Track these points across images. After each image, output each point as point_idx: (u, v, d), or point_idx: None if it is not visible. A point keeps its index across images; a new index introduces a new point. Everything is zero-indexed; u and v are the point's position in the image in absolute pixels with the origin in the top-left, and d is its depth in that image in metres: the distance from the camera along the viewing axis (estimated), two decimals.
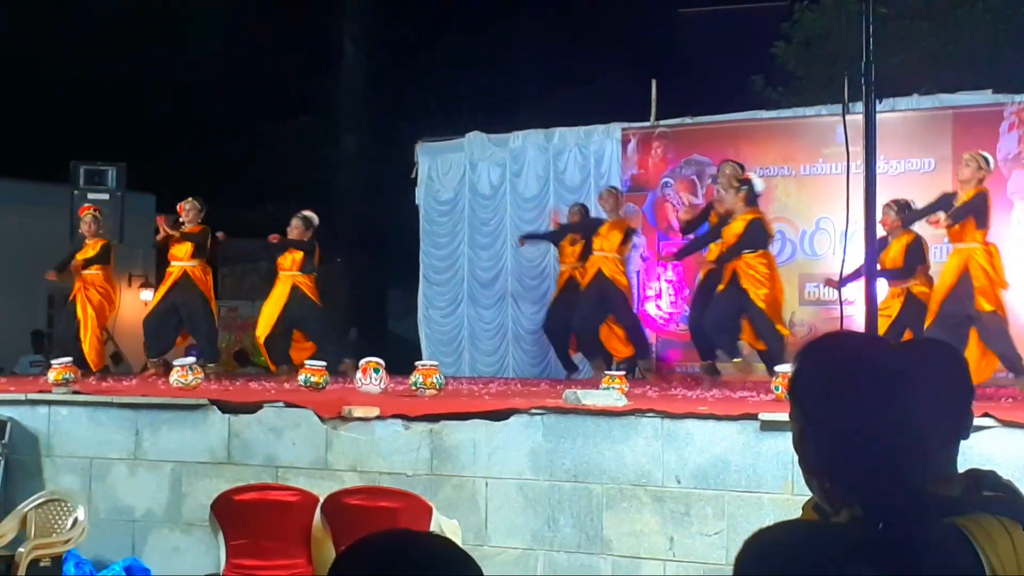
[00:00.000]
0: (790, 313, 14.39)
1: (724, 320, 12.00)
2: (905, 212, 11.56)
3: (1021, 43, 17.94)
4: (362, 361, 10.68)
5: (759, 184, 12.43)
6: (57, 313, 23.93)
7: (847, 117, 7.21)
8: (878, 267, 8.09)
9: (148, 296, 20.60)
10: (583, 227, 14.10)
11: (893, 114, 13.50)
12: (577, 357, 14.58)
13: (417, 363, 10.85)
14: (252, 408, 9.62)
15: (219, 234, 14.08)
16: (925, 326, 10.79)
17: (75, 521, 8.86)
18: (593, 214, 14.36)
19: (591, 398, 8.86)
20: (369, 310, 24.96)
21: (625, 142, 15.84)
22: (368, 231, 24.34)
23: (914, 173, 13.62)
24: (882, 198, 7.84)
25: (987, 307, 10.64)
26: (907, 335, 11.01)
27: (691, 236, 13.35)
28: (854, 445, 2.36)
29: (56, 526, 8.93)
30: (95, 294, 13.82)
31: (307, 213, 14.15)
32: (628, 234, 13.85)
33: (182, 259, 13.84)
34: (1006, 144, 13.65)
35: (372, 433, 9.14)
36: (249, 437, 9.53)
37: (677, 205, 15.20)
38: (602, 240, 13.64)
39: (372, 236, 24.32)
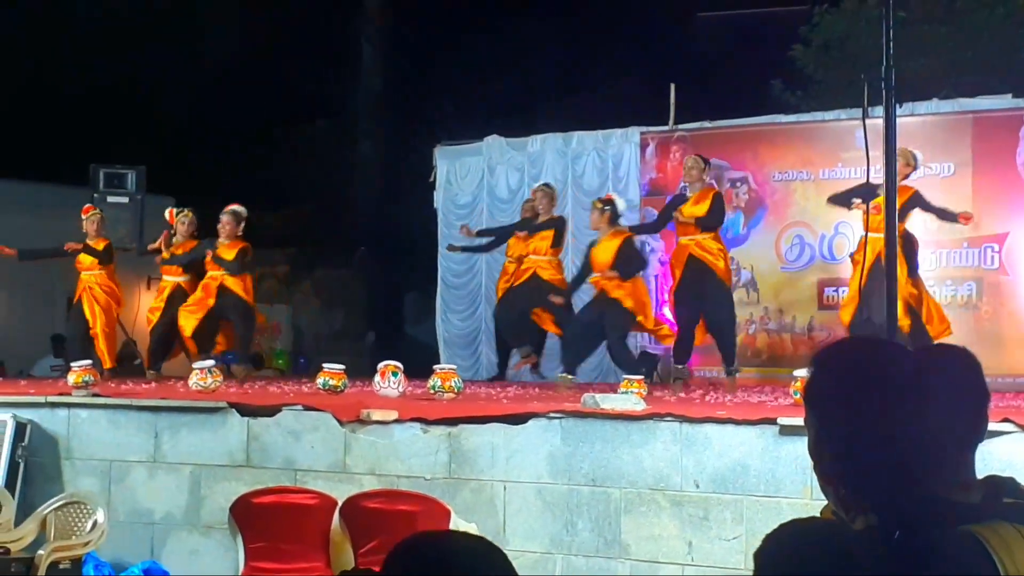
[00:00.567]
0: (808, 318, 14.39)
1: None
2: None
3: None
4: (380, 364, 10.68)
5: (622, 204, 12.92)
6: (75, 316, 24.04)
7: (867, 121, 7.20)
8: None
9: None
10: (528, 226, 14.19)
11: (912, 118, 13.49)
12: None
13: (435, 367, 10.85)
14: (271, 411, 9.63)
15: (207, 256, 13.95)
16: (848, 316, 11.30)
17: (94, 524, 8.88)
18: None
19: (609, 402, 8.86)
20: (387, 314, 24.98)
21: (644, 146, 15.84)
22: (386, 235, 24.37)
23: (933, 177, 13.59)
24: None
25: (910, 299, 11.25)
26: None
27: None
28: (869, 452, 2.35)
29: (75, 529, 8.95)
30: (100, 293, 13.94)
31: (236, 207, 14.06)
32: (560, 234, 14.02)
33: (174, 275, 13.95)
34: None
35: (390, 436, 9.15)
36: (268, 440, 9.55)
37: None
38: (537, 241, 13.75)
39: (390, 240, 24.35)
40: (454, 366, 11.01)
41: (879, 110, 6.65)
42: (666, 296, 15.30)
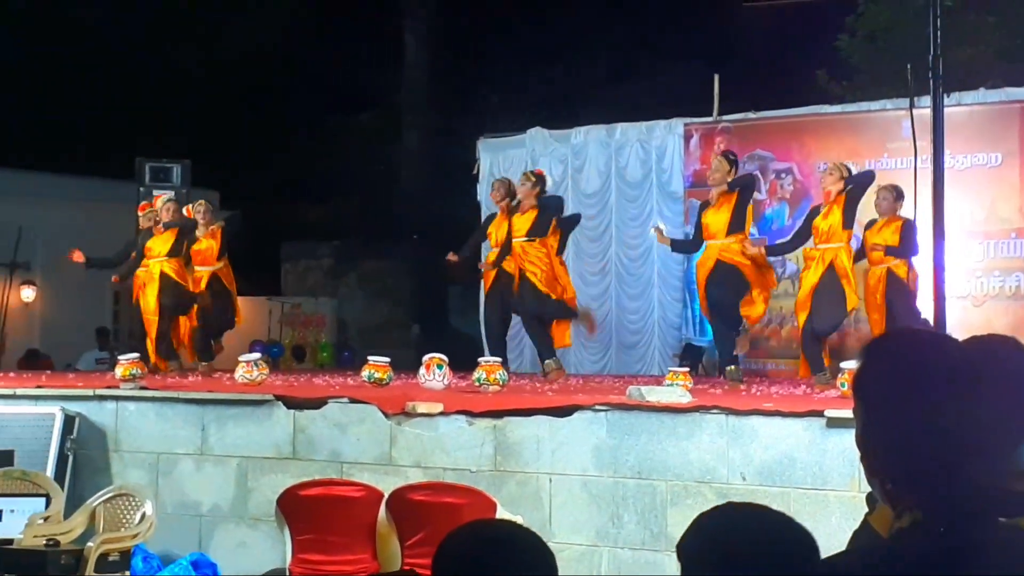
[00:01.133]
0: (851, 309, 14.30)
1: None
2: (901, 200, 11.76)
3: None
4: (425, 357, 10.71)
5: (550, 182, 13.13)
6: (123, 310, 24.21)
7: (913, 111, 7.16)
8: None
9: None
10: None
11: (959, 108, 13.38)
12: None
13: (480, 359, 10.87)
14: (317, 404, 9.67)
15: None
16: (800, 323, 11.42)
17: (143, 516, 8.94)
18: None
19: (655, 394, 8.84)
20: (431, 306, 25.00)
21: (687, 137, 15.79)
22: (430, 227, 24.39)
23: (980, 168, 13.49)
24: (949, 192, 7.78)
25: (853, 303, 11.31)
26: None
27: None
28: (918, 445, 2.34)
29: (124, 521, 9.02)
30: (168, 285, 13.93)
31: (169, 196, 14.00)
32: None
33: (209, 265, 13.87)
34: None
35: (436, 429, 9.16)
36: (314, 433, 9.58)
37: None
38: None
39: (434, 232, 24.38)
40: (499, 359, 11.02)
41: (926, 100, 6.61)
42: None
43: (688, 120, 15.98)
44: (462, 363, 11.79)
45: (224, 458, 9.89)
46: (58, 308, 22.51)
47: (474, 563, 2.47)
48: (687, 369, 10.83)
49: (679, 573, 2.44)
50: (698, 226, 11.86)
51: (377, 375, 10.77)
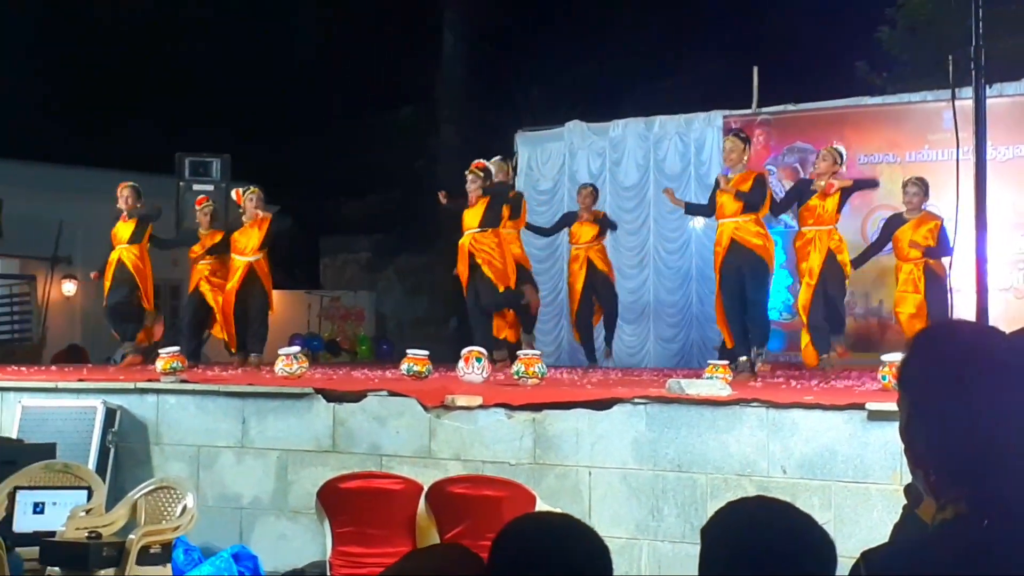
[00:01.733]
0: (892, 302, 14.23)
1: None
2: (928, 194, 12.08)
3: None
4: (464, 350, 10.72)
5: (494, 168, 13.32)
6: (164, 303, 24.34)
7: (955, 102, 7.11)
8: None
9: None
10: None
11: (1001, 99, 13.30)
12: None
13: (519, 352, 10.86)
14: (356, 397, 9.69)
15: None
16: (804, 305, 11.87)
17: (184, 508, 8.98)
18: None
19: (695, 387, 8.81)
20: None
21: (727, 129, 15.69)
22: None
23: (1023, 159, 13.38)
24: (991, 184, 7.73)
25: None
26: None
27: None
28: (963, 437, 2.32)
29: (166, 513, 9.06)
30: (219, 281, 14.02)
31: (132, 184, 14.15)
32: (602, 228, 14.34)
33: (247, 255, 13.91)
34: None
35: (475, 422, 9.17)
36: (353, 425, 9.61)
37: (779, 193, 15.07)
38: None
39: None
40: (538, 351, 11.02)
41: (967, 91, 6.56)
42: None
43: (727, 112, 15.95)
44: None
45: (264, 451, 9.93)
46: (99, 302, 22.62)
47: (532, 554, 2.48)
48: (727, 362, 10.79)
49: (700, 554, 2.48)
50: (712, 199, 11.82)
51: (416, 368, 10.79)
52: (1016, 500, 2.28)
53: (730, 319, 11.48)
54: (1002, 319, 9.79)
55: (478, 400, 9.26)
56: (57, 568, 8.63)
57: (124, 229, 13.92)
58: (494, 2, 26.50)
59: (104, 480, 9.84)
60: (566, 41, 25.92)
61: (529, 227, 14.63)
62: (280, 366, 11.03)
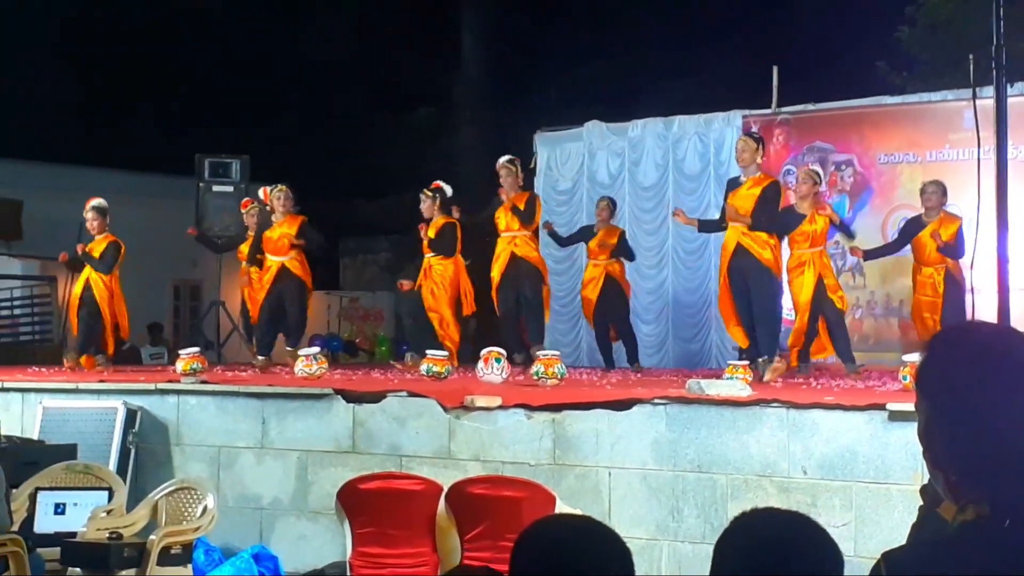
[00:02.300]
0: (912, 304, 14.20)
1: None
2: (946, 195, 12.03)
3: None
4: (483, 351, 10.73)
5: (449, 190, 13.57)
6: (183, 304, 24.43)
7: (976, 102, 7.08)
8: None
9: None
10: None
11: (1021, 98, 13.23)
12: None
13: (538, 353, 10.86)
14: (376, 398, 9.70)
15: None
16: (798, 324, 11.91)
17: (204, 509, 9.00)
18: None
19: (715, 388, 8.80)
20: (489, 300, 24.99)
21: (746, 129, 15.67)
22: (487, 221, 24.39)
23: None
24: (1012, 184, 7.68)
25: (836, 302, 11.96)
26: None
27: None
28: (984, 438, 2.31)
29: (186, 514, 9.08)
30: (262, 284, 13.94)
31: (98, 202, 13.77)
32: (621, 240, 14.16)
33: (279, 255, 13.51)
34: None
35: (494, 423, 9.17)
36: (373, 426, 9.62)
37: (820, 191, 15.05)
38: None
39: (491, 227, 24.37)
40: (557, 352, 11.02)
41: (988, 90, 6.53)
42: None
43: (747, 112, 15.90)
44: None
45: (284, 451, 9.95)
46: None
47: (553, 556, 2.49)
48: (747, 362, 10.77)
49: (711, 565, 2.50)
50: (723, 207, 11.64)
51: (436, 369, 10.79)
52: None
53: (742, 318, 11.38)
54: (1022, 320, 9.77)
55: (497, 401, 9.26)
56: (78, 569, 8.66)
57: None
58: (512, 2, 26.49)
59: (125, 481, 9.88)
60: (584, 42, 25.92)
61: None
62: (300, 367, 11.05)
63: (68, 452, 9.95)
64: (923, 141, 14.45)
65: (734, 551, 2.48)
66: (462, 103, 26.46)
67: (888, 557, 2.33)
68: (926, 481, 2.98)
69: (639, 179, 16.74)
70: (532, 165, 17.54)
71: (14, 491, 8.90)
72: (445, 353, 11.09)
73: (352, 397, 9.80)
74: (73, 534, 8.82)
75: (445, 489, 8.71)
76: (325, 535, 9.61)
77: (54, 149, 23.34)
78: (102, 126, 26.58)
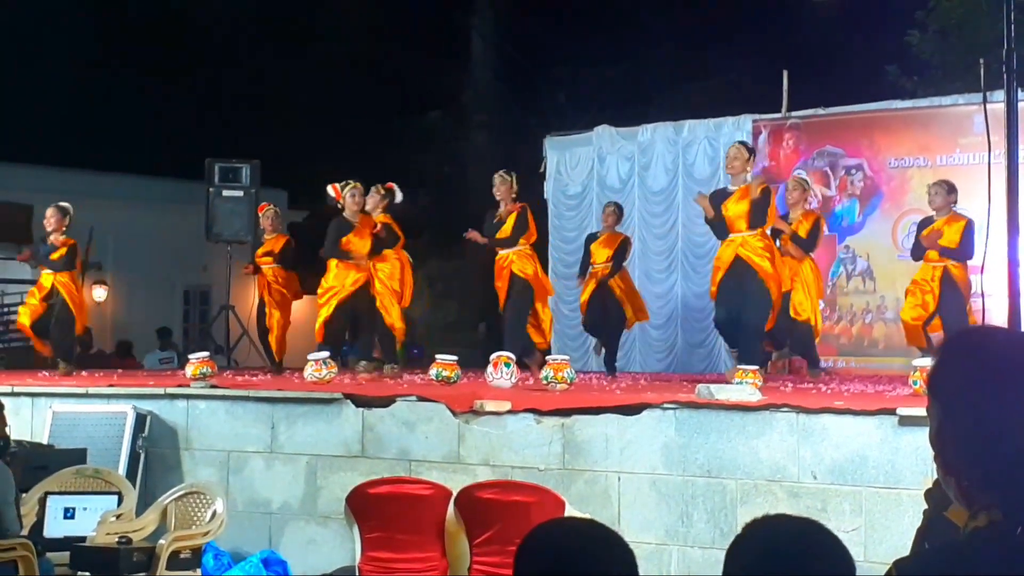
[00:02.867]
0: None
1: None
2: (954, 194, 11.82)
3: None
4: (493, 355, 10.71)
5: (399, 195, 13.66)
6: (193, 309, 24.47)
7: (987, 106, 7.07)
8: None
9: None
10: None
11: None
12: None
13: (548, 357, 10.85)
14: (385, 402, 9.69)
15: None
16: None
17: (214, 514, 9.01)
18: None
19: (724, 392, 8.78)
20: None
21: (756, 134, 15.69)
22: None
23: None
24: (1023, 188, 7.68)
25: (804, 314, 12.26)
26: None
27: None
28: (997, 443, 2.30)
29: (195, 518, 9.09)
30: (277, 289, 13.92)
31: (63, 204, 13.36)
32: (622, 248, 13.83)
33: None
34: None
35: (504, 427, 9.16)
36: (382, 431, 9.61)
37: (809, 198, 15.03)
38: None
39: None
40: (567, 357, 11.00)
41: (999, 94, 6.52)
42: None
43: (757, 117, 15.88)
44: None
45: (294, 456, 9.95)
46: (129, 308, 22.76)
47: (557, 560, 2.49)
48: (757, 368, 10.73)
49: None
50: (719, 216, 11.52)
51: (445, 373, 10.78)
52: None
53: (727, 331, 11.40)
54: None
55: (507, 405, 9.25)
56: (87, 573, 8.67)
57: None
58: (523, 7, 26.51)
59: (134, 485, 9.88)
60: (594, 46, 25.91)
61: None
62: (309, 371, 11.04)
63: (78, 456, 9.96)
64: (933, 145, 14.43)
65: (746, 558, 2.48)
66: (472, 107, 26.49)
67: (900, 564, 2.33)
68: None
69: (649, 184, 16.74)
70: (542, 169, 17.55)
71: (24, 495, 8.92)
72: (454, 358, 11.06)
73: (361, 402, 9.79)
74: (83, 538, 8.83)
75: (454, 494, 8.70)
76: (334, 540, 9.61)
77: (65, 154, 23.38)
78: (113, 131, 26.61)
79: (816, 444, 8.10)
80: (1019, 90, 6.71)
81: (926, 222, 12.01)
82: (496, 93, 26.42)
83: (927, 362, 8.28)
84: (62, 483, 9.39)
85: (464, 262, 25.58)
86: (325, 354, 11.47)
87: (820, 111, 15.62)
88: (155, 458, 10.43)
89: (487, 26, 26.38)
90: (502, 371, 10.48)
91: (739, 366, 10.48)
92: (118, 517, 9.09)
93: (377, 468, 9.44)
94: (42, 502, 9.24)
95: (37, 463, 9.69)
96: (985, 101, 6.96)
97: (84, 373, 13.05)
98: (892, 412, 7.90)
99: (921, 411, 7.57)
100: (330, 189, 13.36)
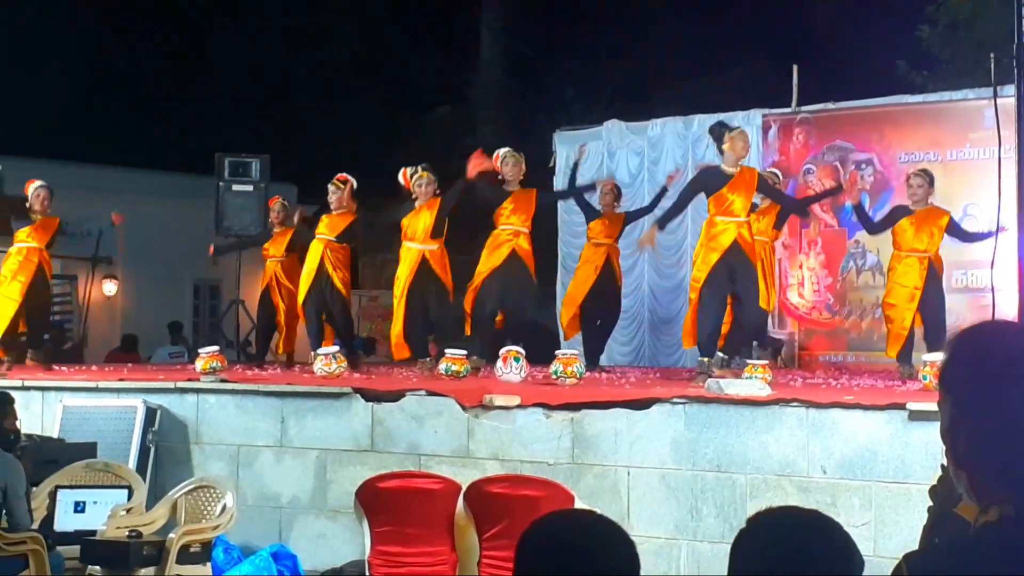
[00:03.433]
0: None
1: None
2: (933, 187, 11.72)
3: None
4: (502, 350, 10.71)
5: (354, 184, 14.03)
6: (203, 304, 24.48)
7: (997, 100, 7.07)
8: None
9: None
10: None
11: None
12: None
13: (557, 352, 10.85)
14: (395, 396, 9.71)
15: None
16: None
17: (224, 507, 9.02)
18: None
19: (734, 387, 8.78)
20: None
21: (766, 128, 15.65)
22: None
23: None
24: None
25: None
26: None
27: None
28: (1007, 439, 2.30)
29: (205, 512, 9.10)
30: (286, 282, 13.95)
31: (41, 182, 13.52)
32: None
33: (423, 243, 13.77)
34: None
35: (513, 422, 9.17)
36: (392, 425, 9.62)
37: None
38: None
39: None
40: (576, 351, 10.99)
41: (1009, 88, 6.52)
42: (791, 280, 15.14)
43: (766, 111, 15.85)
44: (538, 356, 11.77)
45: (303, 450, 9.96)
46: (139, 302, 22.78)
47: (557, 552, 2.49)
48: (766, 362, 10.72)
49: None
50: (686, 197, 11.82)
51: (454, 368, 10.78)
52: None
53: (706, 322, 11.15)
54: None
55: (516, 400, 9.26)
56: (98, 567, 8.69)
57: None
58: (531, 1, 26.47)
59: (144, 479, 9.90)
60: (603, 40, 25.87)
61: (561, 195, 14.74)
62: (319, 365, 11.05)
63: (88, 450, 9.98)
64: (944, 140, 14.40)
65: (751, 550, 2.48)
66: (481, 102, 26.44)
67: (909, 559, 2.33)
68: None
69: (659, 178, 16.68)
70: (551, 164, 17.53)
71: (34, 489, 8.94)
72: (464, 352, 11.06)
73: (371, 396, 9.81)
74: (93, 532, 8.85)
75: (464, 488, 8.72)
76: (344, 534, 9.62)
77: (75, 148, 23.39)
78: (122, 125, 26.63)
79: (826, 439, 8.10)
80: None
81: (901, 210, 11.86)
82: (505, 88, 26.36)
83: (937, 357, 8.28)
84: (72, 477, 9.41)
85: (473, 256, 25.56)
86: (335, 348, 11.46)
87: (830, 106, 15.58)
88: (165, 452, 10.45)
89: (496, 21, 26.32)
90: (512, 365, 10.48)
91: (749, 361, 10.48)
92: (128, 511, 9.12)
93: (387, 462, 9.46)
94: (52, 496, 9.26)
95: (47, 457, 9.71)
96: (995, 96, 6.95)
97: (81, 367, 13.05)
98: (902, 407, 7.91)
99: (931, 406, 7.57)
100: (401, 176, 13.74)
